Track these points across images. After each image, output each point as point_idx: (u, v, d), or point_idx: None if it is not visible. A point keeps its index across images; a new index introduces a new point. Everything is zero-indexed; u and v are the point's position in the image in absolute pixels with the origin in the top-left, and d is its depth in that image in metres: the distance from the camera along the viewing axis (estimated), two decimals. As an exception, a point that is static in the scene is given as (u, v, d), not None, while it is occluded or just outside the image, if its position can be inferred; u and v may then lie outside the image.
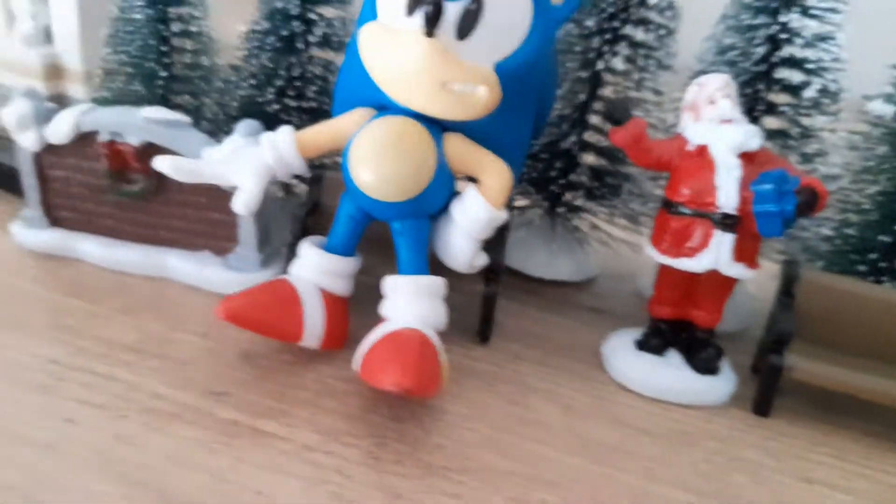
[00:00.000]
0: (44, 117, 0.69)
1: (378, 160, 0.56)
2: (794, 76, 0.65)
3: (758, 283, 0.72)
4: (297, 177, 0.66)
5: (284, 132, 0.61)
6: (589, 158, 0.72)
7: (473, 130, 0.59)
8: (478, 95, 0.55)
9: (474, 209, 0.59)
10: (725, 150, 0.59)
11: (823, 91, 0.65)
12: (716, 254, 0.60)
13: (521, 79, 0.58)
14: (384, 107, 0.59)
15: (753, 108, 0.67)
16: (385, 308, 0.60)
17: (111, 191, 0.69)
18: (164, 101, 0.72)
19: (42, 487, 0.48)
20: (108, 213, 0.71)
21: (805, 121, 0.66)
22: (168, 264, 0.70)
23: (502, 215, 0.60)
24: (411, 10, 0.54)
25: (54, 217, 0.73)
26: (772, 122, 0.68)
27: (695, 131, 0.61)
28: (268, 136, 0.61)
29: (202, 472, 0.50)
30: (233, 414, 0.56)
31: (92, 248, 0.72)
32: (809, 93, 0.65)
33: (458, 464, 0.54)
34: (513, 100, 0.58)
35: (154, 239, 0.71)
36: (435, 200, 0.59)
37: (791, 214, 0.56)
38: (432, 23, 0.52)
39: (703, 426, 0.62)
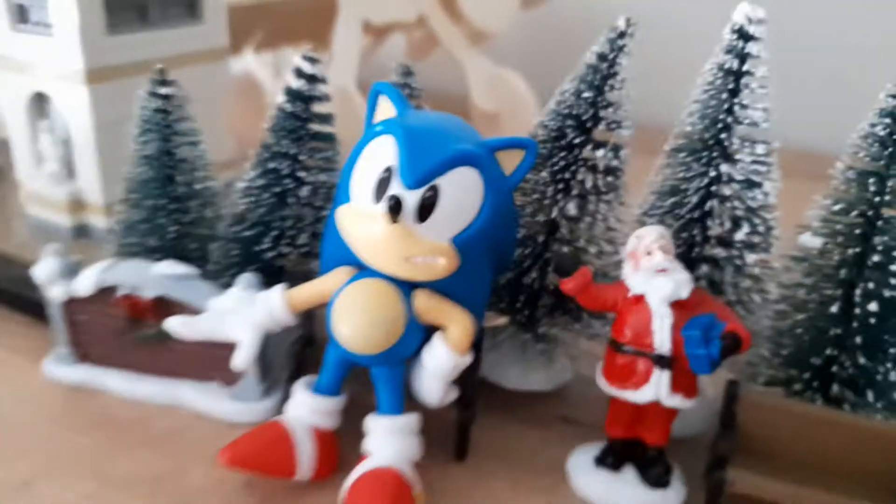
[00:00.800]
0: (70, 272, 0.79)
1: (354, 319, 0.65)
2: (726, 222, 0.73)
3: (717, 388, 0.80)
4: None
5: (276, 293, 0.70)
6: (550, 290, 0.81)
7: (438, 287, 0.67)
8: (438, 265, 0.64)
9: (440, 356, 0.68)
10: (659, 300, 0.67)
11: (753, 231, 0.73)
12: (656, 388, 0.68)
13: (477, 244, 0.66)
14: (363, 266, 0.68)
15: (692, 245, 0.75)
16: (366, 445, 0.68)
17: (130, 335, 0.79)
18: (172, 251, 0.82)
19: None
20: (128, 349, 0.81)
21: (738, 260, 0.74)
22: (182, 395, 0.80)
23: (466, 360, 0.69)
24: (378, 197, 0.64)
25: (82, 353, 0.83)
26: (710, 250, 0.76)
27: (634, 280, 0.69)
28: (262, 297, 0.71)
29: None
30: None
31: (115, 382, 0.81)
32: (740, 235, 0.73)
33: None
34: (471, 260, 0.67)
35: (170, 372, 0.81)
36: (406, 349, 0.68)
37: (717, 357, 0.64)
38: (395, 211, 0.61)
39: (654, 539, 0.69)
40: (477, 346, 0.77)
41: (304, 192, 0.80)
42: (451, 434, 0.76)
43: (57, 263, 0.78)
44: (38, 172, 1.06)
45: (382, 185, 0.64)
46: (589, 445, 0.77)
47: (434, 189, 0.63)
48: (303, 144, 0.79)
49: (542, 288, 0.82)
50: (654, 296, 0.67)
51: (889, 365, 0.72)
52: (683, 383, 0.68)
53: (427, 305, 0.67)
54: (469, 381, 0.74)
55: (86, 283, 0.77)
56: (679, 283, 0.67)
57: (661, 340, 0.66)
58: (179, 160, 0.80)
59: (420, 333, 0.69)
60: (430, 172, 0.63)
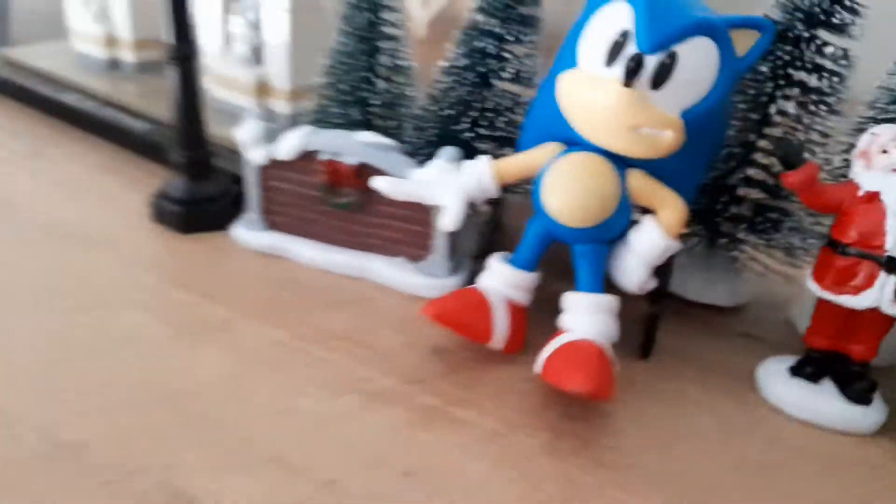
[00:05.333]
0: (271, 137, 0.81)
1: (568, 190, 0.64)
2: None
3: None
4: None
5: (484, 162, 0.70)
6: (753, 193, 0.77)
7: (654, 167, 0.65)
8: (664, 139, 0.62)
9: (652, 238, 0.66)
10: (895, 198, 0.63)
11: None
12: (879, 293, 0.64)
13: (703, 124, 0.64)
14: (573, 142, 0.67)
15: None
16: (565, 321, 0.68)
17: (324, 202, 0.81)
18: (370, 125, 0.82)
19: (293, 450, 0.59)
20: (318, 220, 0.83)
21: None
22: (370, 267, 0.81)
23: (676, 245, 0.67)
24: (610, 61, 0.62)
25: (272, 221, 0.85)
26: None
27: (866, 178, 0.65)
28: (471, 164, 0.70)
29: (413, 445, 0.60)
30: (430, 399, 0.65)
31: (304, 250, 0.83)
32: None
33: (624, 462, 0.61)
34: (693, 142, 0.64)
35: (358, 245, 0.82)
36: (615, 228, 0.67)
37: None
38: (632, 75, 0.60)
39: (855, 451, 0.66)
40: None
41: (508, 73, 0.79)
42: (633, 335, 0.75)
43: (259, 127, 0.80)
44: (226, 55, 1.09)
45: (616, 48, 0.62)
46: (781, 357, 0.74)
47: (672, 56, 0.61)
48: (510, 25, 0.78)
49: (743, 195, 0.79)
50: (890, 194, 0.63)
51: None
52: (904, 289, 0.64)
53: (642, 184, 0.66)
54: (666, 272, 0.72)
55: (288, 146, 0.79)
56: None
57: (895, 241, 0.63)
58: (385, 35, 0.81)
59: (629, 213, 0.67)
60: (670, 36, 0.60)
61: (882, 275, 0.64)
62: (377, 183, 0.72)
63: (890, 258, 0.63)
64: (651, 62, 0.61)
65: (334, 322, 0.75)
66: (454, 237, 0.77)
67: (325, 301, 0.78)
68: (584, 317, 0.67)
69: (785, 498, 0.60)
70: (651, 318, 0.74)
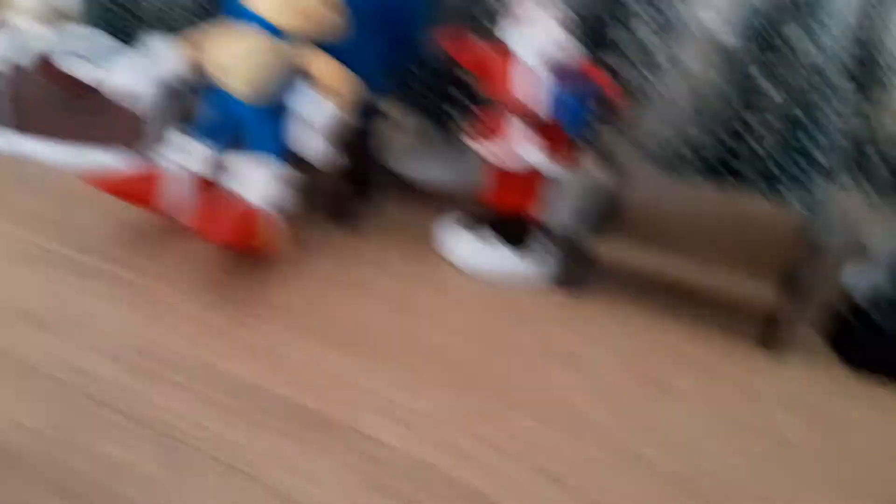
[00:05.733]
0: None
1: (230, 59, 0.68)
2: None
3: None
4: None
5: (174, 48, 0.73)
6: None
7: (325, 46, 0.69)
8: (320, 14, 0.67)
9: (317, 106, 0.69)
10: (534, 55, 0.66)
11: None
12: (527, 148, 0.68)
13: (376, 7, 0.69)
14: (243, 17, 0.70)
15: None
16: (230, 182, 0.71)
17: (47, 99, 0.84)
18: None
19: None
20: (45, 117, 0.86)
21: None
22: (91, 158, 0.85)
23: (341, 112, 0.70)
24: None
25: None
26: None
27: (511, 36, 0.68)
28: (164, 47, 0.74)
29: (62, 299, 0.64)
30: (99, 263, 0.69)
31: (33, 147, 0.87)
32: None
33: (271, 308, 0.65)
34: (361, 22, 0.69)
35: (79, 138, 0.86)
36: (280, 95, 0.70)
37: (586, 113, 0.64)
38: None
39: (507, 295, 0.70)
40: (369, 117, 0.80)
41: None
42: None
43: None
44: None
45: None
46: (463, 216, 0.78)
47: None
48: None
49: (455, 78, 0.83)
50: (529, 52, 0.67)
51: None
52: (551, 143, 0.68)
53: (308, 58, 0.69)
54: (353, 146, 0.76)
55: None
56: (557, 40, 0.66)
57: (534, 96, 0.66)
58: None
59: (297, 81, 0.71)
60: None
61: (528, 130, 0.68)
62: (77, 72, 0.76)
63: (531, 113, 0.67)
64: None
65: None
66: (162, 122, 0.80)
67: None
68: (251, 180, 0.70)
69: (442, 334, 0.64)
70: (344, 188, 0.78)
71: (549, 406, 0.56)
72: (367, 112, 0.80)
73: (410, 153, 0.89)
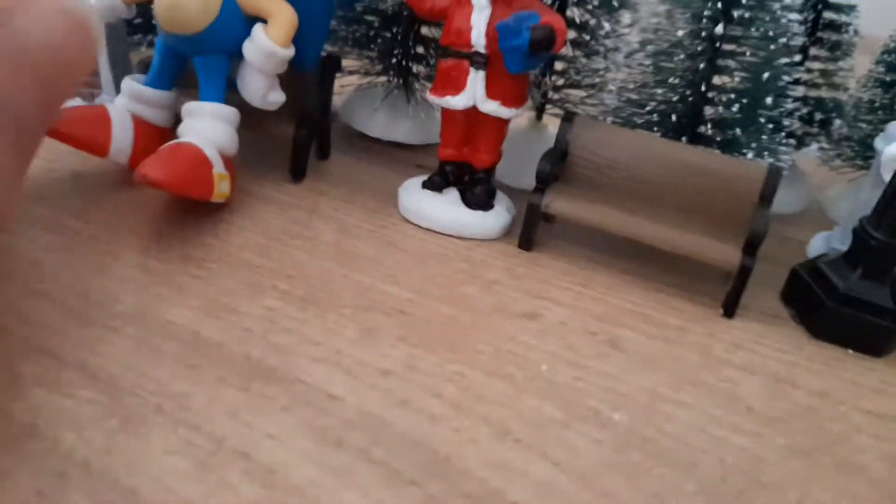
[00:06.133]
0: None
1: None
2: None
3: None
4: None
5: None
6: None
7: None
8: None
9: (261, 46, 0.66)
10: (481, -5, 0.64)
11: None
12: (472, 91, 0.66)
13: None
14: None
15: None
16: (179, 129, 0.68)
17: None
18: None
19: None
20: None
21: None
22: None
23: (287, 52, 0.67)
24: None
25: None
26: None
27: (460, -24, 0.66)
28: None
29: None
30: (43, 210, 0.65)
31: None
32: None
33: (216, 257, 0.62)
34: None
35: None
36: (225, 37, 0.67)
37: (527, 48, 0.61)
38: None
39: (463, 252, 0.68)
40: (328, 70, 0.77)
41: None
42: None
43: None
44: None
45: None
46: (422, 175, 0.75)
47: None
48: None
49: (415, 36, 0.80)
50: (476, -8, 0.64)
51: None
52: (501, 88, 0.66)
53: None
54: (306, 99, 0.73)
55: None
56: None
57: (478, 35, 0.64)
58: None
59: (241, 23, 0.67)
60: None
61: (472, 72, 0.65)
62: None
63: (476, 53, 0.64)
64: None
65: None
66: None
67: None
68: (196, 123, 0.67)
69: (363, 281, 0.61)
70: (297, 142, 0.75)
71: (504, 362, 0.54)
72: (324, 62, 0.77)
73: (368, 107, 0.86)
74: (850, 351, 0.62)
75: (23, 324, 0.51)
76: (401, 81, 0.85)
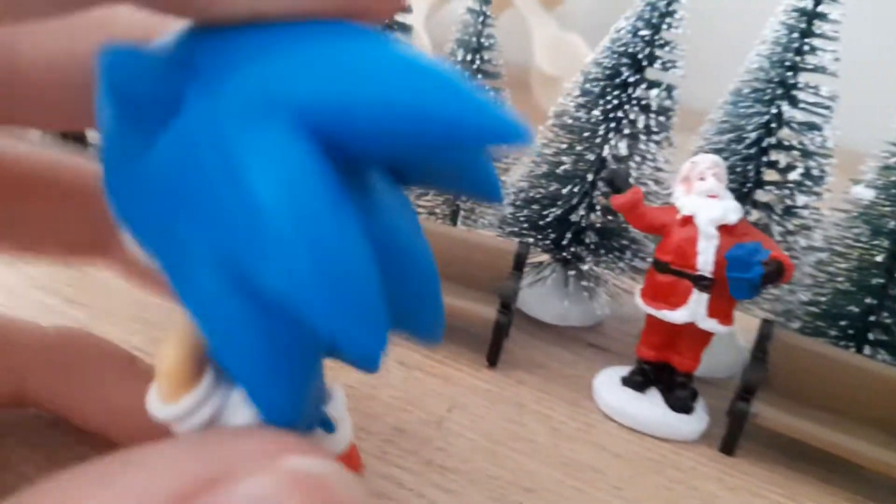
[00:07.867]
0: None
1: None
2: (782, 159, 0.74)
3: (747, 336, 0.81)
4: None
5: None
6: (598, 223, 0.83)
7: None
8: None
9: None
10: (707, 221, 0.68)
11: (807, 174, 0.74)
12: (693, 309, 0.69)
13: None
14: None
15: (744, 183, 0.76)
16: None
17: None
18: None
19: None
20: None
21: (788, 200, 0.75)
22: None
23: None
24: None
25: None
26: (762, 196, 0.78)
27: (684, 202, 0.70)
28: None
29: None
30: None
31: None
32: (794, 175, 0.74)
33: (453, 465, 0.65)
34: None
35: None
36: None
37: (757, 281, 0.65)
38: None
39: (671, 457, 0.71)
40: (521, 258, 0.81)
41: None
42: (485, 345, 0.79)
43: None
44: None
45: None
46: (618, 367, 0.79)
47: None
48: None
49: (588, 225, 0.85)
50: (702, 217, 0.69)
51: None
52: (721, 308, 0.70)
53: None
54: (512, 283, 0.77)
55: None
56: (728, 208, 0.69)
57: (705, 261, 0.68)
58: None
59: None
60: None
61: (695, 292, 0.69)
62: None
63: (702, 277, 0.68)
64: None
65: None
66: None
67: None
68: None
69: (598, 496, 0.64)
70: (497, 327, 0.78)
71: None
72: (520, 250, 0.81)
73: (543, 298, 0.90)
74: None
75: None
76: (574, 269, 0.88)
